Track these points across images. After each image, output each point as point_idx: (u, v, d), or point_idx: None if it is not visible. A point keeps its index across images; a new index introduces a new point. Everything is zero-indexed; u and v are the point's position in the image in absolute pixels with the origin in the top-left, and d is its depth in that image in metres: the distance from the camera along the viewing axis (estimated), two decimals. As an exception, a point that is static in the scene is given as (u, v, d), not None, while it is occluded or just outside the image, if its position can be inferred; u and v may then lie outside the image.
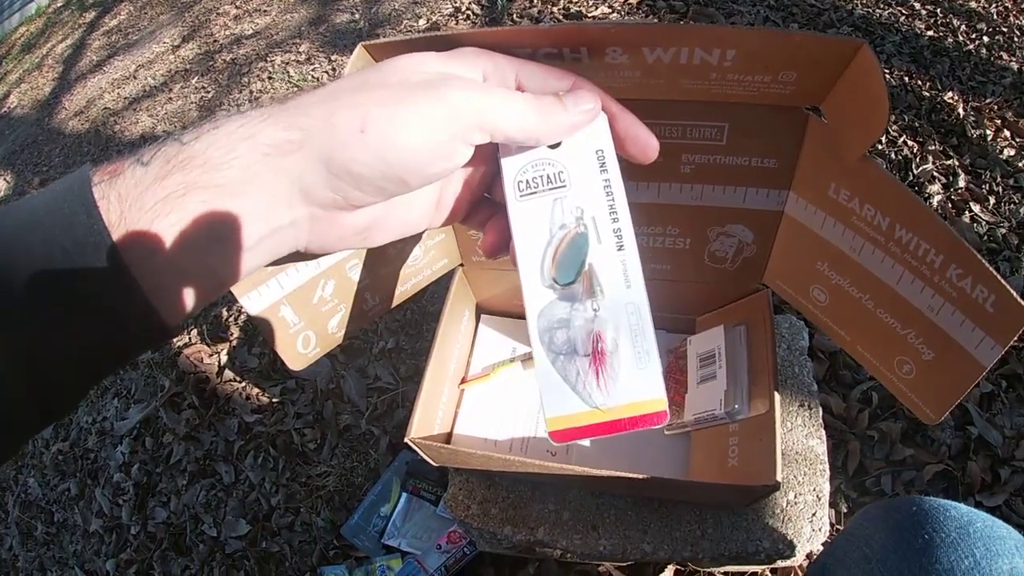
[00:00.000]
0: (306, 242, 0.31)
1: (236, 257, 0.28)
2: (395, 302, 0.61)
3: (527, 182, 0.34)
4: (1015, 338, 0.38)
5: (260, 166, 0.27)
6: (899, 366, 0.48)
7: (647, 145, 0.34)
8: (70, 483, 1.31)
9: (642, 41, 0.37)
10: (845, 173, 0.44)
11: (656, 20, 1.63)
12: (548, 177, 0.34)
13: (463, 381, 0.67)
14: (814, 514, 0.59)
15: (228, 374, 1.29)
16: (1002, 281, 0.37)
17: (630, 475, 0.50)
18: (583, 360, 0.32)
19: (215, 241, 0.27)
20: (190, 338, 1.38)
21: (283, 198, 0.28)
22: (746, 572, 0.80)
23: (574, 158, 0.34)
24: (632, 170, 0.51)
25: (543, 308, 0.33)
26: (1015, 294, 0.36)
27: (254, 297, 0.48)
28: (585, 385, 0.32)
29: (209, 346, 1.35)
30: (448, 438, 0.65)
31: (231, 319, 1.37)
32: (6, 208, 0.25)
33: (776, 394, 0.51)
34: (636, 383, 0.32)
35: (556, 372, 0.33)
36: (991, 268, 0.37)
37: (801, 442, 0.62)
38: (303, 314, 0.53)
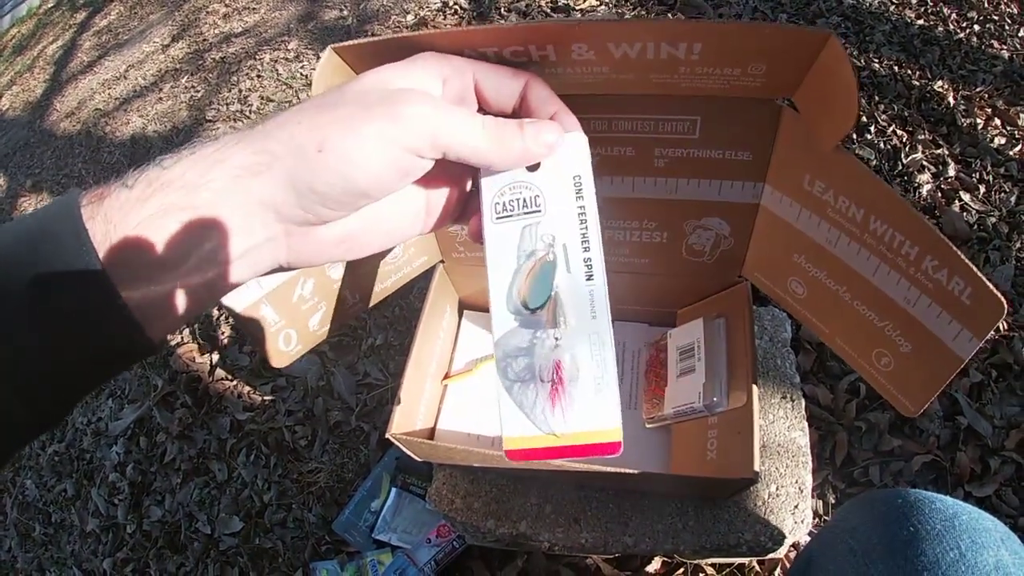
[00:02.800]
0: (286, 257, 0.32)
1: (216, 273, 0.29)
2: (375, 299, 0.61)
3: (504, 205, 0.34)
4: (992, 330, 0.38)
5: (232, 188, 0.28)
6: (877, 358, 0.47)
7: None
8: (67, 484, 1.31)
9: (606, 37, 0.37)
10: (820, 165, 0.44)
11: (626, 15, 1.63)
12: (524, 201, 0.34)
13: (446, 376, 0.67)
14: (796, 506, 0.59)
15: (220, 373, 1.29)
16: (978, 273, 0.36)
17: (609, 469, 0.50)
18: (543, 387, 0.32)
19: (194, 259, 0.28)
20: (182, 337, 1.38)
21: (256, 217, 0.29)
22: (733, 563, 0.81)
23: (551, 182, 0.34)
24: (605, 165, 0.51)
25: (505, 334, 0.33)
26: (991, 286, 0.36)
27: (234, 296, 0.49)
28: (542, 411, 0.32)
29: (201, 345, 1.35)
30: (432, 433, 0.65)
31: (222, 318, 1.37)
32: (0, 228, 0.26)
33: (755, 387, 0.51)
34: (592, 412, 0.32)
35: (513, 398, 0.33)
36: (967, 260, 0.37)
37: (783, 434, 0.62)
38: (283, 312, 0.53)
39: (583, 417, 0.32)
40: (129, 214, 0.26)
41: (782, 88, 0.41)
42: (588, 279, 0.33)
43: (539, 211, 0.34)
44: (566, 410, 0.32)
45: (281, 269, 0.33)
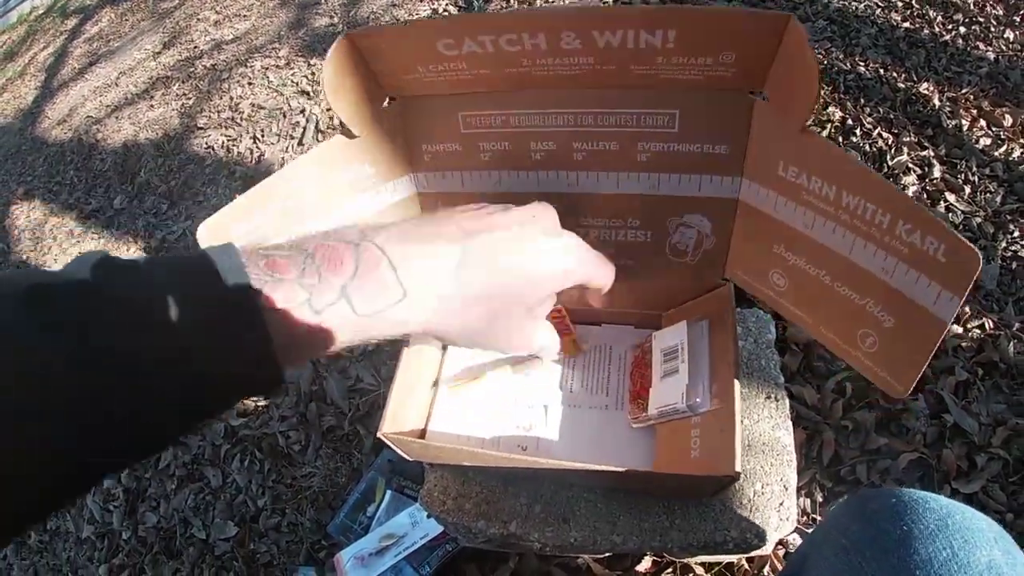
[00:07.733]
0: None
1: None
2: None
3: None
4: (971, 286, 0.38)
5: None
6: (862, 339, 0.48)
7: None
8: (60, 491, 1.31)
9: (591, 25, 0.41)
10: (791, 150, 0.46)
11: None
12: None
13: (455, 380, 0.67)
14: (781, 504, 0.60)
15: (214, 379, 1.29)
16: (949, 228, 0.37)
17: (595, 468, 0.51)
18: None
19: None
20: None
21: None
22: (722, 562, 0.81)
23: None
24: (593, 159, 0.54)
25: None
26: (963, 239, 0.37)
27: None
28: None
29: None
30: (422, 435, 0.65)
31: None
32: (180, 302, 0.28)
33: (737, 387, 0.52)
34: None
35: None
36: (937, 218, 0.38)
37: (768, 433, 0.63)
38: None
39: None
40: (314, 338, 0.31)
41: (752, 78, 0.44)
42: None
43: None
44: None
45: None
